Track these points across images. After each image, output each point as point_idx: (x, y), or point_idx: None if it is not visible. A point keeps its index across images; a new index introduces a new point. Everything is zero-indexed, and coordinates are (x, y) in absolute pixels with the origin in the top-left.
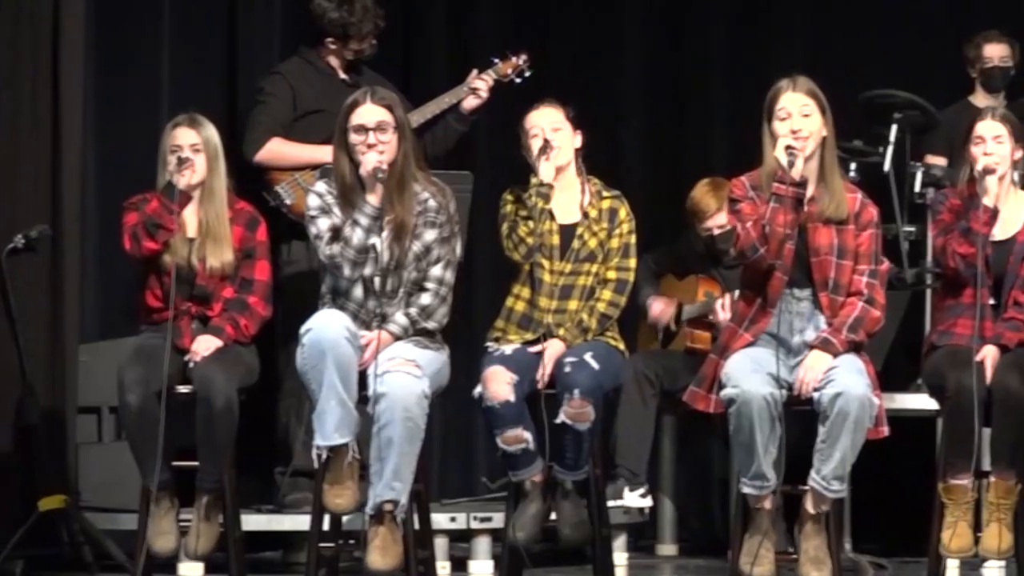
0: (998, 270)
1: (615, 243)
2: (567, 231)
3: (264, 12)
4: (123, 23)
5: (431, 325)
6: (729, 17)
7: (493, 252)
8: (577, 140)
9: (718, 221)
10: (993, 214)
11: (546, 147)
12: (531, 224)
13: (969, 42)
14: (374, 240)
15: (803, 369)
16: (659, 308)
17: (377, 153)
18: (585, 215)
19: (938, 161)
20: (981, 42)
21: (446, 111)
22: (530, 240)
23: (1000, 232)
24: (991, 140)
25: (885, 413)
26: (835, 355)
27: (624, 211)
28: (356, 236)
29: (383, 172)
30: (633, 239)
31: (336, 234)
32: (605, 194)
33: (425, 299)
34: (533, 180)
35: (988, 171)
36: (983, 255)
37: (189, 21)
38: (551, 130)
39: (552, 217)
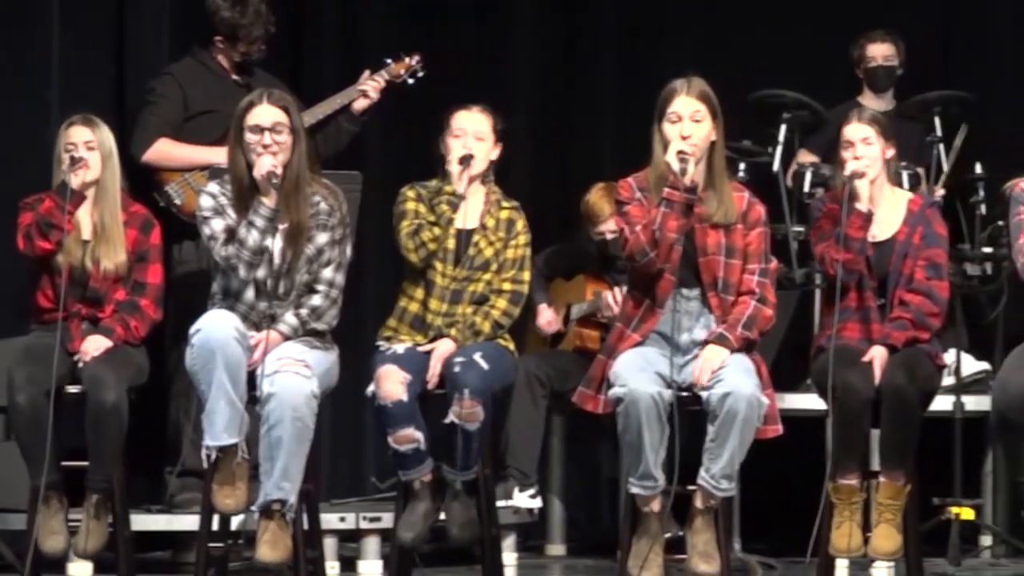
0: (881, 271)
1: (511, 254)
2: (464, 237)
3: (153, 12)
4: (11, 23)
5: (321, 326)
6: (619, 17)
7: (382, 252)
8: (495, 152)
9: (611, 226)
10: (867, 218)
11: (467, 159)
12: (436, 231)
13: (855, 42)
14: (269, 242)
15: (700, 361)
16: (545, 320)
17: (271, 156)
18: (483, 224)
19: (810, 159)
20: (865, 42)
21: (337, 112)
22: (432, 246)
23: (879, 233)
24: (859, 143)
25: (778, 412)
26: (731, 350)
27: (521, 223)
28: (252, 238)
29: (276, 177)
30: (528, 252)
31: (231, 235)
32: (504, 204)
33: (315, 301)
34: (447, 188)
35: (857, 175)
36: (863, 260)
37: (78, 21)
38: (474, 138)
39: (451, 222)
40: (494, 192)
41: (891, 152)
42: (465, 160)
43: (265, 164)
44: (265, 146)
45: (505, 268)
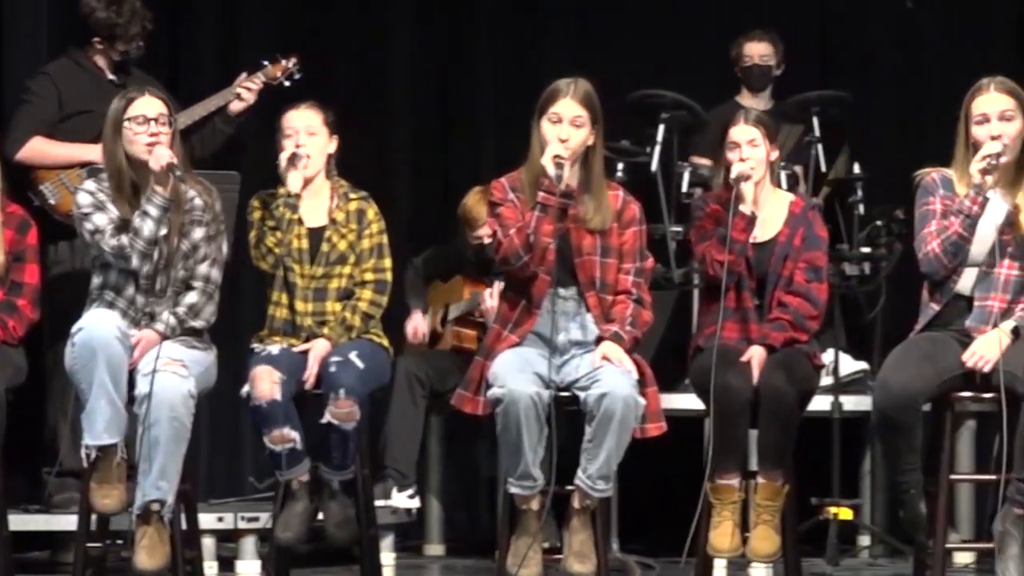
0: (760, 272)
1: (366, 244)
2: (315, 235)
3: (30, 12)
4: None
5: (199, 323)
6: (497, 17)
7: None
8: (332, 145)
9: (488, 231)
10: (751, 220)
11: (295, 158)
12: (278, 235)
13: (733, 41)
14: (164, 231)
15: (598, 356)
16: (411, 327)
17: (165, 147)
18: (333, 219)
19: (705, 161)
20: (743, 41)
21: (213, 113)
22: (277, 251)
23: (761, 234)
24: (745, 145)
25: (661, 410)
26: (625, 349)
27: (372, 212)
28: (147, 227)
29: (176, 167)
30: (385, 239)
31: (123, 226)
32: (352, 196)
33: (192, 297)
34: (281, 190)
35: (742, 178)
36: (743, 260)
37: None
38: (306, 134)
39: (300, 222)
40: (341, 185)
41: (776, 154)
42: (293, 159)
43: (164, 155)
44: (153, 135)
45: (364, 259)
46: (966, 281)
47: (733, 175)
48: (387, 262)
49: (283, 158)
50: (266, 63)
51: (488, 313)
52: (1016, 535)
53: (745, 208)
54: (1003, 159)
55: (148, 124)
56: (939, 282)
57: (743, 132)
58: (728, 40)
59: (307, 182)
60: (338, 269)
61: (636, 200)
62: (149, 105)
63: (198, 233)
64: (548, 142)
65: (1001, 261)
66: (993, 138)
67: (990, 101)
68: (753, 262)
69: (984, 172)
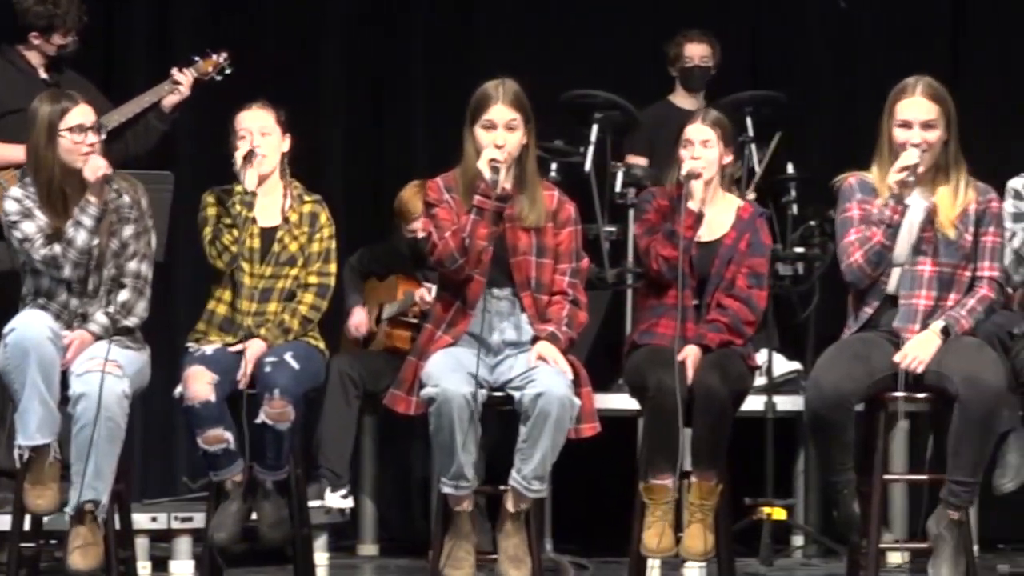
0: (702, 272)
1: (316, 247)
2: (268, 235)
3: None
4: None
5: (132, 321)
6: (431, 16)
7: (195, 253)
8: (285, 144)
9: (423, 225)
10: (697, 218)
11: (251, 155)
12: (235, 232)
13: (670, 41)
14: (97, 241)
15: (533, 355)
16: (355, 322)
17: (100, 156)
18: (286, 219)
19: (639, 161)
20: (683, 41)
21: (147, 110)
22: (234, 249)
23: (706, 234)
24: (699, 144)
25: (595, 410)
26: (560, 350)
27: (325, 216)
28: (80, 237)
29: (111, 178)
30: (333, 244)
31: (54, 234)
32: (306, 198)
33: (124, 295)
34: (237, 188)
35: (692, 176)
36: (686, 259)
37: None
38: (260, 134)
39: (253, 220)
40: (295, 187)
41: (729, 158)
42: (248, 156)
43: (99, 165)
44: (90, 145)
45: (311, 262)
46: (892, 281)
47: (683, 172)
48: (332, 267)
49: (238, 156)
50: (197, 58)
51: (425, 305)
52: (949, 539)
53: (693, 205)
54: (920, 170)
55: (85, 134)
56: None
57: (698, 131)
58: (661, 40)
59: (262, 180)
60: (286, 270)
61: (571, 201)
62: (87, 114)
63: (127, 231)
64: (483, 147)
65: (924, 259)
66: (913, 145)
67: (914, 107)
68: (696, 261)
69: (902, 184)
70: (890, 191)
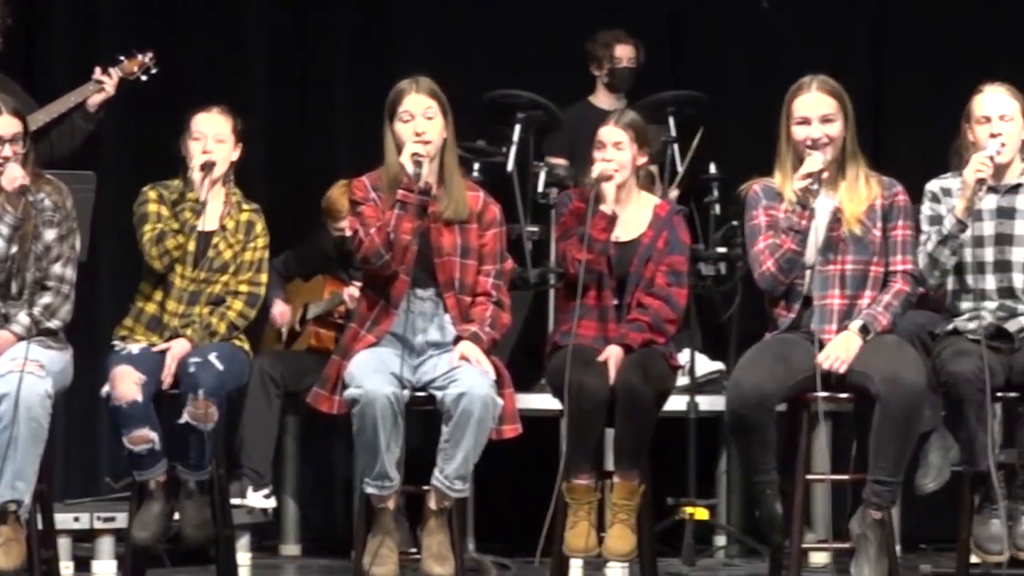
0: (621, 272)
1: (248, 256)
2: (203, 239)
3: None
4: None
5: (55, 324)
6: (352, 15)
7: (117, 253)
8: (235, 153)
9: (350, 224)
10: (611, 220)
11: (209, 166)
12: (180, 238)
13: (595, 41)
14: (14, 250)
15: (456, 355)
16: (279, 311)
17: (17, 165)
18: (223, 226)
19: (560, 162)
20: (612, 42)
21: (72, 109)
22: (176, 253)
23: (624, 234)
24: (611, 146)
25: (517, 411)
26: (483, 350)
27: (260, 225)
28: None
29: (29, 190)
30: (266, 254)
31: None
32: (244, 207)
33: (47, 298)
34: (190, 195)
35: (603, 178)
36: (604, 259)
37: None
38: (214, 140)
39: (194, 228)
40: (234, 194)
41: (643, 159)
42: (207, 167)
43: (16, 176)
44: (6, 158)
45: (243, 270)
46: (806, 283)
47: (594, 175)
48: (263, 277)
49: (196, 164)
50: (122, 58)
51: (351, 307)
52: (872, 539)
53: (605, 207)
54: (825, 175)
55: (3, 146)
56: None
57: (610, 133)
58: (581, 39)
59: (212, 185)
60: (217, 276)
61: (496, 202)
62: (7, 126)
63: (50, 234)
64: (404, 141)
65: (834, 258)
66: (813, 139)
67: (811, 101)
68: (614, 262)
69: (806, 191)
70: (795, 196)
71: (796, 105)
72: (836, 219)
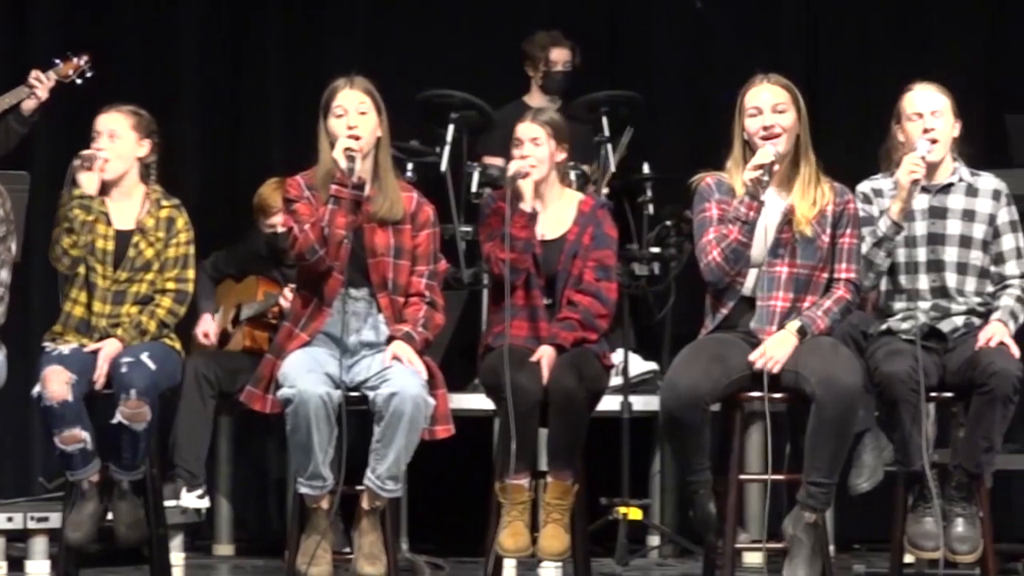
0: (549, 270)
1: (172, 252)
2: (123, 239)
3: None
4: None
5: None
6: (287, 17)
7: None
8: (142, 150)
9: (282, 219)
10: (531, 217)
11: (89, 159)
12: (74, 237)
13: (532, 43)
14: None
15: (388, 355)
16: (202, 330)
17: None
18: (142, 224)
19: (494, 162)
20: (548, 44)
21: (6, 112)
22: (74, 252)
23: (549, 232)
24: (528, 142)
25: (450, 411)
26: (416, 350)
27: (182, 221)
28: None
29: None
30: (191, 250)
31: None
32: (164, 203)
33: None
34: (75, 191)
35: (519, 175)
36: (529, 258)
37: None
38: (108, 137)
39: (108, 223)
40: (154, 191)
41: (562, 155)
42: (88, 160)
43: None
44: None
45: (168, 267)
46: (748, 282)
47: (510, 173)
48: (190, 273)
49: (75, 159)
50: (58, 61)
51: (284, 311)
52: (805, 540)
53: (525, 205)
54: (776, 167)
55: None
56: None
57: (527, 130)
58: (517, 39)
59: (108, 185)
60: (141, 275)
61: (430, 203)
62: None
63: None
64: (337, 136)
65: (782, 260)
66: (765, 128)
67: (763, 92)
68: (541, 260)
69: (757, 182)
70: (745, 188)
71: (748, 97)
72: (787, 220)
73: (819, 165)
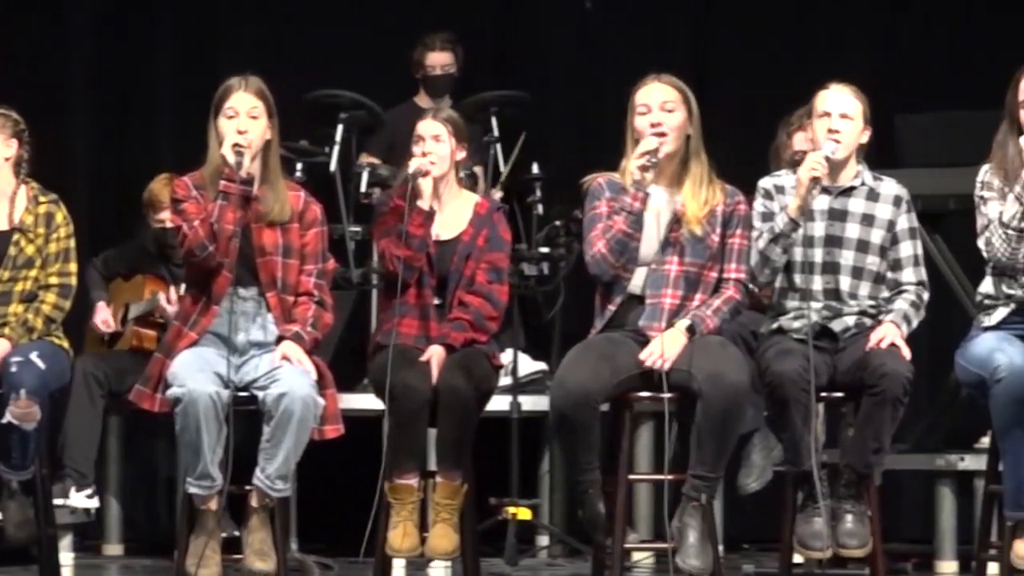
0: (442, 270)
1: (53, 248)
2: (3, 238)
3: None
4: None
5: None
6: (176, 13)
7: None
8: (9, 150)
9: (171, 215)
10: (428, 216)
11: None
12: None
13: (415, 47)
14: None
15: (277, 355)
16: (101, 318)
17: None
18: (21, 222)
19: (374, 161)
20: (425, 50)
21: None
22: None
23: (444, 232)
24: (429, 139)
25: (340, 411)
26: (305, 350)
27: (61, 215)
28: None
29: None
30: (72, 243)
31: None
32: (42, 199)
33: None
34: None
35: (420, 173)
36: (423, 257)
37: None
38: None
39: None
40: (31, 188)
41: (462, 154)
42: None
43: None
44: None
45: (50, 263)
46: (637, 280)
47: (411, 170)
48: (72, 267)
49: None
50: None
51: (167, 317)
52: (694, 525)
53: (423, 203)
54: (661, 154)
55: None
56: (611, 283)
57: (428, 127)
58: (406, 38)
59: None
60: (24, 273)
61: (318, 201)
62: None
63: None
64: (226, 135)
65: (670, 258)
66: (653, 125)
67: (652, 91)
68: (435, 260)
69: (643, 169)
70: (631, 177)
71: (639, 95)
72: (677, 219)
73: (711, 165)
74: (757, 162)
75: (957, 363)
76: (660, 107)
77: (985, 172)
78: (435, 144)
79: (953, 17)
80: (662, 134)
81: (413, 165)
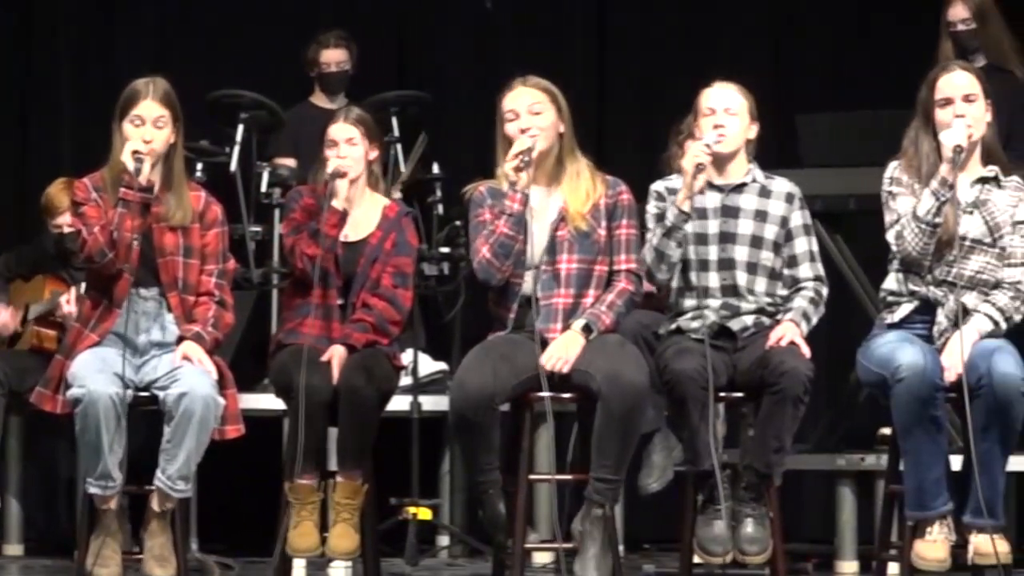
0: (348, 271)
1: None
2: None
3: None
4: None
5: None
6: (77, 12)
7: None
8: None
9: (68, 219)
10: (342, 217)
11: None
12: None
13: (309, 45)
14: None
15: (178, 355)
16: (1, 319)
17: None
18: None
19: (286, 162)
20: (319, 48)
21: None
22: None
23: (352, 233)
24: (343, 143)
25: (240, 411)
26: (206, 350)
27: None
28: None
29: None
30: None
31: None
32: None
33: None
34: None
35: (338, 174)
36: (331, 257)
37: None
38: None
39: None
40: None
41: (375, 154)
42: None
43: None
44: None
45: None
46: (530, 283)
47: (329, 171)
48: None
49: None
50: None
51: (67, 318)
52: (595, 535)
53: (337, 204)
54: (535, 153)
55: None
56: (504, 289)
57: (341, 130)
58: (304, 39)
59: None
60: None
61: (218, 201)
62: None
63: None
64: (130, 140)
65: (559, 257)
66: (523, 131)
67: (519, 96)
68: (342, 261)
69: (517, 169)
70: (507, 179)
71: (505, 102)
72: (561, 218)
73: (591, 162)
74: (656, 164)
75: (859, 363)
76: (528, 111)
77: (894, 168)
78: (349, 147)
79: (850, 21)
80: (533, 136)
81: (331, 166)
